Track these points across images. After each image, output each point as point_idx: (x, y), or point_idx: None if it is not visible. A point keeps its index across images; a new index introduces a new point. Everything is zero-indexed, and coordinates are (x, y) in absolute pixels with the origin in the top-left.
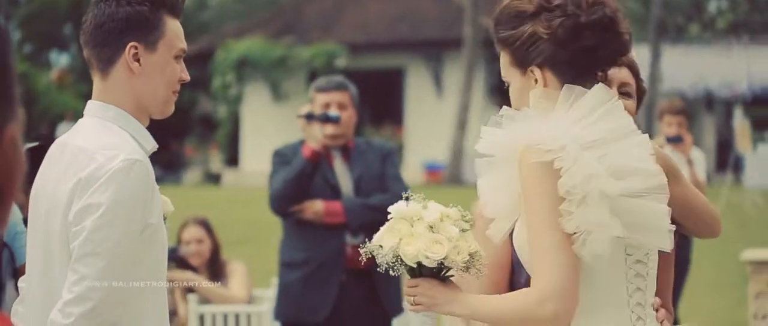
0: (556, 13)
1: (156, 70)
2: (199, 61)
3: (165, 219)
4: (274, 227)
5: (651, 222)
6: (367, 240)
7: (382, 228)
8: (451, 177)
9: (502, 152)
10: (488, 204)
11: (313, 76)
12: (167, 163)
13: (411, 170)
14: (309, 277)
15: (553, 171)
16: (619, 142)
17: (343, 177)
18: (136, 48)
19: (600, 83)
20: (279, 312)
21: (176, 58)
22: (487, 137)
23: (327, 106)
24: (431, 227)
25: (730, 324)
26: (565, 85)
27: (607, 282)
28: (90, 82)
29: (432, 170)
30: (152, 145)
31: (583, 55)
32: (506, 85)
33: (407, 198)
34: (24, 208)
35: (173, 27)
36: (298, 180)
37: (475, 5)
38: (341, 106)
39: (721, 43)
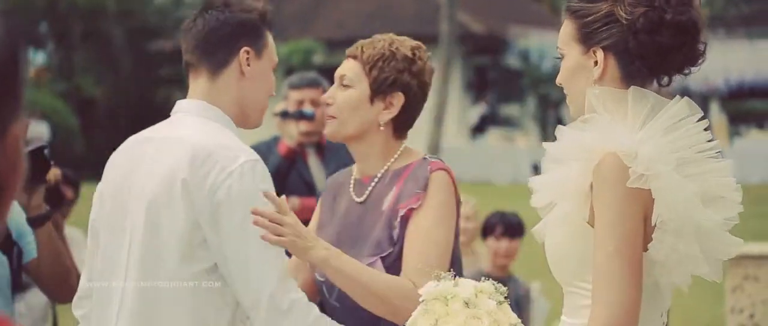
0: (642, 0)
1: (261, 77)
2: (175, 58)
3: None
4: None
5: (718, 252)
6: None
7: (414, 313)
8: None
9: (575, 154)
10: (541, 200)
11: (290, 72)
12: None
13: None
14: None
15: (644, 193)
16: (705, 164)
17: (319, 174)
18: (248, 53)
19: (686, 97)
20: None
21: (273, 70)
22: (565, 137)
23: (300, 102)
24: (467, 303)
25: (707, 318)
26: (632, 88)
27: (651, 303)
28: (67, 80)
29: None
30: None
31: (655, 52)
32: (561, 57)
33: (437, 278)
34: (28, 208)
35: (271, 41)
36: (274, 177)
37: (451, 1)
38: (315, 103)
39: None
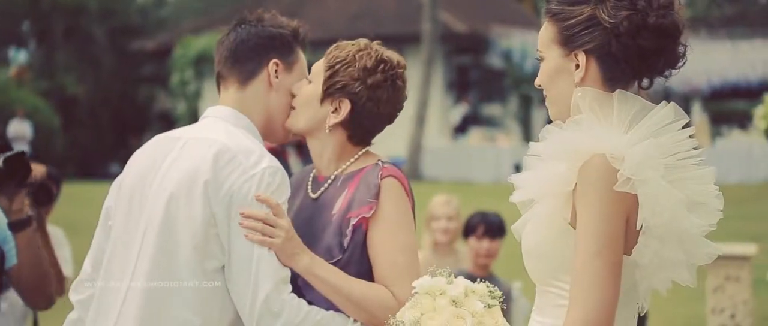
0: (624, 3)
1: (288, 90)
2: (157, 57)
3: None
4: None
5: (697, 258)
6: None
7: (406, 303)
8: (410, 172)
9: (562, 154)
10: (523, 197)
11: None
12: (125, 160)
13: None
14: None
15: (629, 196)
16: (689, 170)
17: None
18: (277, 65)
19: (672, 103)
20: None
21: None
22: (552, 136)
23: None
24: (454, 301)
25: (687, 318)
26: (618, 92)
27: (626, 305)
28: (48, 79)
29: None
30: None
31: (637, 55)
32: (540, 59)
33: (432, 274)
34: (9, 213)
35: (302, 57)
36: None
37: (433, 1)
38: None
39: None
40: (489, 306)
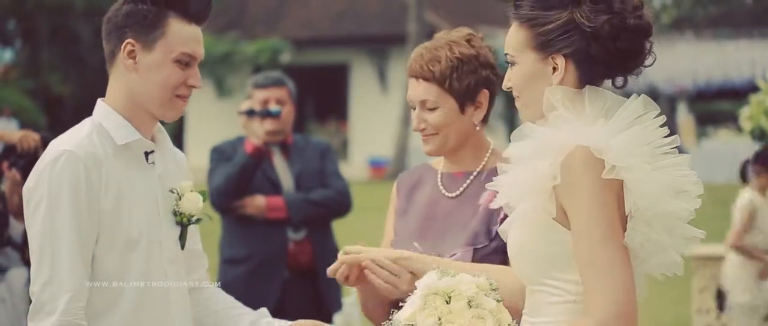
0: (602, 7)
1: (151, 70)
2: None
3: (181, 195)
4: (218, 223)
5: (681, 244)
6: (393, 313)
7: (409, 303)
8: (396, 172)
9: (543, 151)
10: (506, 201)
11: (257, 71)
12: None
13: (355, 166)
14: (252, 273)
15: (616, 184)
16: (664, 159)
17: (284, 173)
18: (132, 45)
19: (643, 95)
20: None
21: (177, 61)
22: (531, 133)
23: (265, 102)
24: (470, 302)
25: (673, 318)
26: (588, 87)
27: None
28: (34, 78)
29: (376, 166)
30: (126, 138)
31: (616, 57)
32: (510, 62)
33: (436, 269)
34: None
35: (178, 30)
36: (241, 176)
37: (419, 1)
38: (280, 102)
39: (665, 38)
40: (498, 301)
